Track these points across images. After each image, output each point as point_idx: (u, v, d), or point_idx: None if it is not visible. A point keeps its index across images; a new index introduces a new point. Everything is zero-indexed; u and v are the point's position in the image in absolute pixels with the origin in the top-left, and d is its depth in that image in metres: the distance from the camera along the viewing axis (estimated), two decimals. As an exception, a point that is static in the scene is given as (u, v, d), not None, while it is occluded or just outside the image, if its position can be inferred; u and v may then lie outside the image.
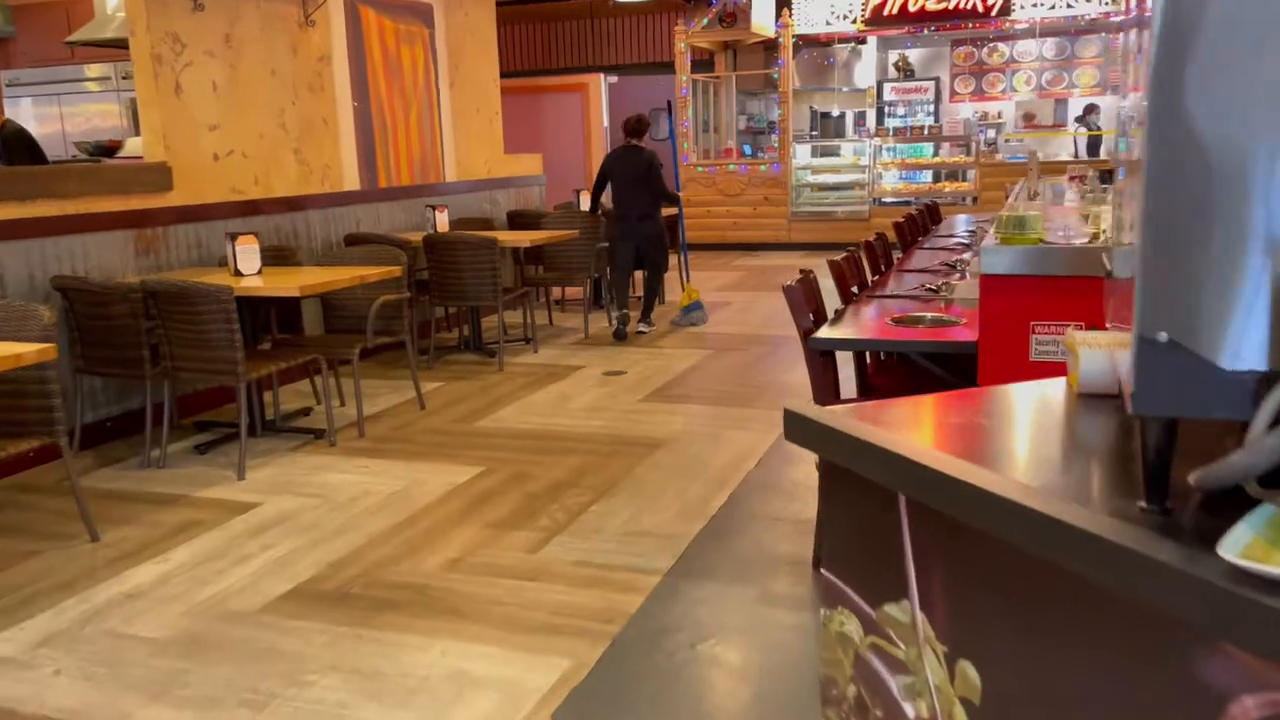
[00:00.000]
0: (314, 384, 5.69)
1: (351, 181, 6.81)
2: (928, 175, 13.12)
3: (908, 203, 12.42)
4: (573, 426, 5.04)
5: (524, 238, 6.76)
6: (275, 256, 5.34)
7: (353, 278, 4.83)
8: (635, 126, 7.36)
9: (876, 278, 4.34)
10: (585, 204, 8.54)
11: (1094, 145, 12.43)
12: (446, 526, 3.76)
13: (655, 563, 3.37)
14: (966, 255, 4.62)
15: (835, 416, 1.42)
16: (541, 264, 7.63)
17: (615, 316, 7.29)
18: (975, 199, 11.90)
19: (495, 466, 4.44)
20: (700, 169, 12.69)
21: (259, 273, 4.89)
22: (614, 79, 13.31)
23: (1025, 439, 1.43)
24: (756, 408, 5.31)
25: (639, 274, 7.67)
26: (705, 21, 12.28)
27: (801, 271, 3.48)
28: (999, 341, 2.77)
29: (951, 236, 5.72)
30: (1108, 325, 1.55)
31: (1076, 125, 12.74)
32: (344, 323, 5.41)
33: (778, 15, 12.38)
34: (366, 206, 6.91)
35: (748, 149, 13.96)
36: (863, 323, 3.27)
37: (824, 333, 3.07)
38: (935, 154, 13.01)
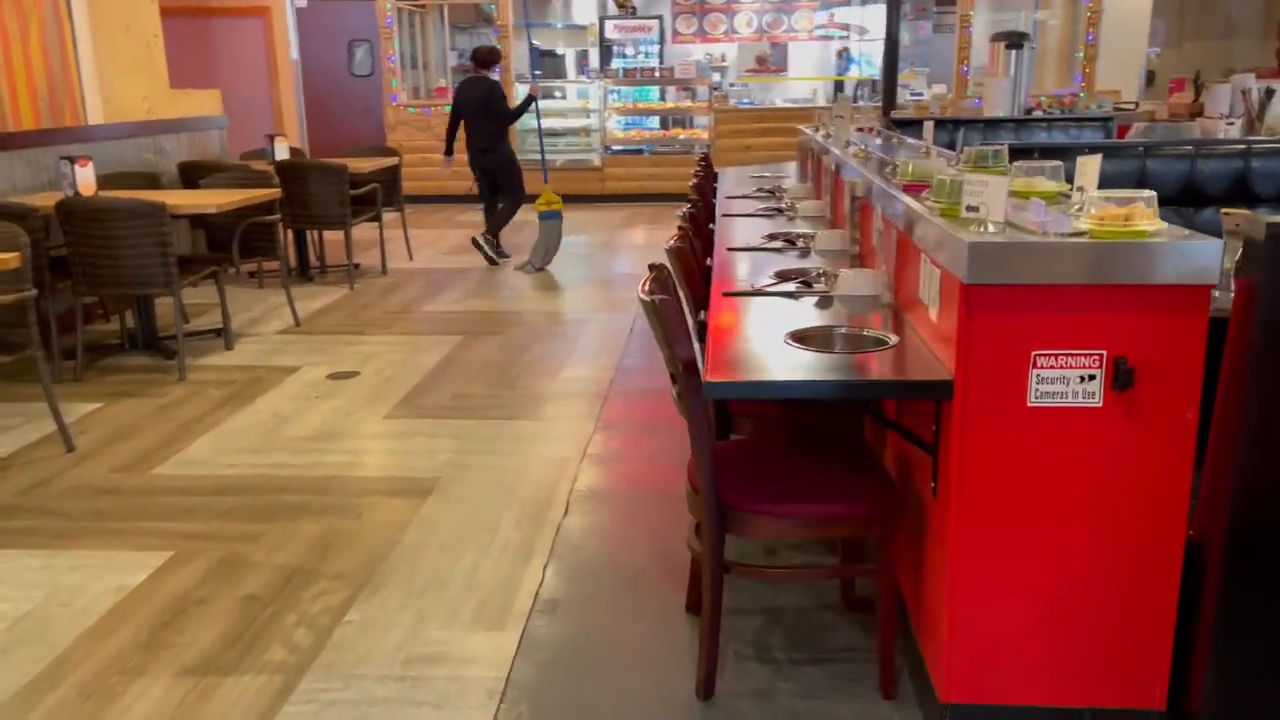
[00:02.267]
0: (-107, 422, 3.90)
1: (-59, 124, 4.87)
2: (655, 121, 12.40)
3: (639, 151, 11.66)
4: (299, 467, 3.70)
5: (208, 200, 5.15)
6: None
7: (-66, 275, 3.18)
8: (484, 56, 7.46)
9: (709, 262, 3.37)
10: (282, 152, 6.93)
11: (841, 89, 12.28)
12: (116, 679, 2.39)
13: (463, 717, 2.23)
14: (803, 228, 3.76)
15: None
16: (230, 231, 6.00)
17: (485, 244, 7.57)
18: (710, 148, 11.32)
19: (190, 548, 3.06)
20: (411, 110, 11.18)
21: None
22: (303, 3, 11.40)
23: None
24: (540, 418, 4.22)
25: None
26: (409, -61, 10.70)
27: (653, 267, 2.42)
28: (986, 379, 1.88)
29: (745, 198, 4.88)
30: None
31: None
32: (-67, 335, 3.69)
33: (492, -63, 11.04)
34: (-32, 159, 4.99)
35: (461, 89, 12.57)
36: (756, 347, 2.28)
37: (728, 374, 2.04)
38: (662, 98, 12.30)
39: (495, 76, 7.51)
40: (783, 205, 4.38)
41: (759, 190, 5.12)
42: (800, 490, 2.19)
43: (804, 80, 12.86)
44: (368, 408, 4.36)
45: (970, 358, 1.89)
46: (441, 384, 4.70)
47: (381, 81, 11.18)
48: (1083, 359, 1.87)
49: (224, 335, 5.36)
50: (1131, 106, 9.40)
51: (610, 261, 7.99)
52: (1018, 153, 3.80)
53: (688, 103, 11.95)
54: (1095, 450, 1.90)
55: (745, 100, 12.20)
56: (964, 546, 1.97)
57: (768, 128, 11.23)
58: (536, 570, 2.88)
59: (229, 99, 10.45)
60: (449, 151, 7.71)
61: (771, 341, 2.27)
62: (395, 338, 5.56)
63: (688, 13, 13.45)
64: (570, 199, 11.26)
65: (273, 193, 5.39)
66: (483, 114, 7.35)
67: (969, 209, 2.08)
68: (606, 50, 12.93)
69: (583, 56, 12.89)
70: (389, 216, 7.47)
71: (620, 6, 13.40)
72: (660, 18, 13.24)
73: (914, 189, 2.77)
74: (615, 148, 11.54)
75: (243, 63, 11.03)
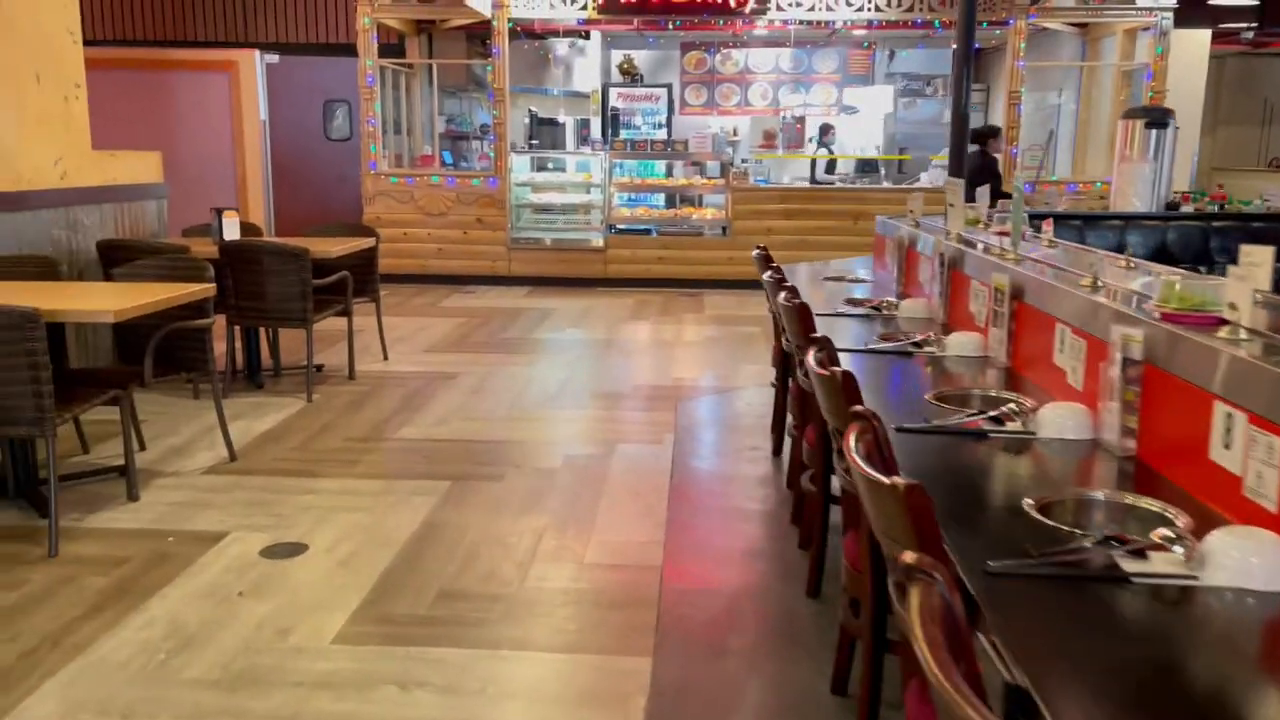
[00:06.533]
0: None
1: None
2: (661, 199, 11.20)
3: (646, 231, 10.46)
4: (188, 763, 2.31)
5: (107, 304, 3.80)
6: None
7: None
8: (979, 133, 8.24)
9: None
10: (231, 230, 5.62)
11: (831, 168, 11.19)
12: None
13: None
14: (956, 370, 2.47)
15: None
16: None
17: None
18: (726, 229, 10.15)
19: None
20: (394, 180, 9.95)
21: None
22: (274, 58, 10.23)
23: None
24: (565, 645, 2.85)
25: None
26: (397, -8, 9.57)
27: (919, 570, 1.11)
28: None
29: (838, 316, 3.61)
30: None
31: (817, 147, 11.45)
32: None
33: (489, -7, 9.91)
34: None
35: (448, 157, 11.37)
36: None
37: None
38: (669, 174, 11.15)
39: (994, 151, 8.34)
40: (913, 335, 3.10)
41: (851, 304, 3.85)
42: None
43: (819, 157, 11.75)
44: (313, 617, 2.98)
45: None
46: (421, 572, 3.32)
47: (360, 147, 9.96)
48: None
49: (128, 476, 3.98)
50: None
51: (625, 366, 6.69)
52: None
53: (699, 179, 10.81)
54: None
55: (760, 178, 11.06)
56: None
57: (792, 209, 10.08)
58: None
59: (186, 163, 9.18)
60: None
61: None
62: (359, 484, 4.19)
63: (698, 82, 12.41)
64: (570, 282, 10.05)
65: (201, 291, 4.06)
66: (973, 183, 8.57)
67: None
68: (615, 119, 11.81)
69: (583, 126, 11.76)
70: (361, 305, 6.16)
71: (625, 74, 12.35)
72: (669, 86, 12.18)
73: (1186, 320, 1.61)
74: (619, 227, 10.34)
75: (203, 123, 9.80)
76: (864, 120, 12.31)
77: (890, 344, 3.04)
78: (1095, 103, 10.96)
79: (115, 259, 5.09)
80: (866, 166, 11.75)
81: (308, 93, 10.69)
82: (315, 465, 4.40)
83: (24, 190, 4.94)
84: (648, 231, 10.40)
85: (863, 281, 4.58)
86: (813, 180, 11.11)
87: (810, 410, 3.33)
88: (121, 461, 4.02)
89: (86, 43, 5.67)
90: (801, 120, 12.07)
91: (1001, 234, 3.47)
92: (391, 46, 10.54)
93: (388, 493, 4.07)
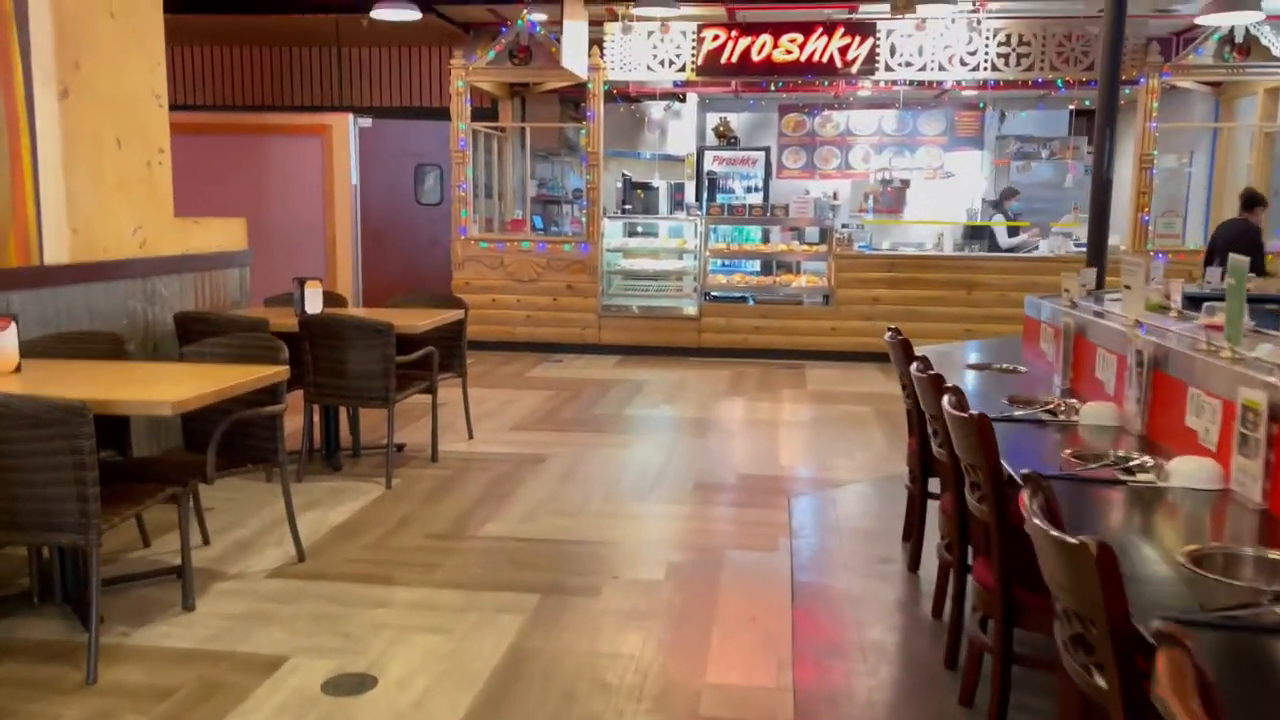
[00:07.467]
0: None
1: None
2: (756, 265, 10.69)
3: (741, 299, 9.95)
4: None
5: (165, 394, 3.42)
6: None
7: None
8: (1246, 197, 7.71)
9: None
10: (313, 303, 5.29)
11: (1014, 234, 10.42)
12: None
13: None
14: (1186, 503, 1.88)
15: None
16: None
17: None
18: (829, 298, 9.57)
19: None
20: (484, 245, 9.66)
21: None
22: (367, 122, 10.11)
23: None
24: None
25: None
26: (491, 54, 9.36)
27: None
28: None
29: (1009, 422, 3.02)
30: None
31: (995, 213, 10.72)
32: None
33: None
34: None
35: (539, 222, 11.08)
36: None
37: None
38: (765, 240, 10.64)
39: (1256, 219, 7.64)
40: (1118, 454, 2.49)
41: (1015, 403, 3.25)
42: None
43: (933, 224, 11.14)
44: (377, 785, 2.47)
45: None
46: (507, 718, 2.80)
47: (451, 211, 9.73)
48: None
49: (184, 578, 3.56)
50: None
51: (726, 450, 6.14)
52: None
53: (798, 245, 10.28)
54: None
55: (862, 243, 10.46)
56: None
57: (899, 278, 9.47)
58: None
59: (277, 227, 9.04)
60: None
61: None
62: (438, 595, 3.70)
63: (796, 145, 11.96)
64: (662, 351, 9.57)
65: (273, 375, 3.65)
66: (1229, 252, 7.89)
67: None
68: (712, 184, 11.40)
69: (677, 190, 11.37)
70: (447, 379, 5.75)
71: (721, 137, 11.98)
72: (766, 149, 11.75)
73: None
74: (714, 294, 9.85)
75: (295, 186, 9.69)
76: (962, 184, 11.70)
77: (1093, 466, 2.44)
78: (1231, 167, 10.15)
79: (192, 332, 4.78)
80: (976, 233, 11.07)
81: (399, 156, 10.54)
82: (390, 569, 3.94)
83: (100, 260, 4.67)
84: (744, 299, 9.89)
85: (1014, 372, 3.97)
86: (993, 248, 10.31)
87: (982, 542, 2.74)
88: (177, 565, 3.61)
89: (184, 107, 5.48)
90: (906, 183, 11.51)
91: (1211, 327, 2.85)
92: (484, 110, 10.35)
93: (470, 608, 3.57)
